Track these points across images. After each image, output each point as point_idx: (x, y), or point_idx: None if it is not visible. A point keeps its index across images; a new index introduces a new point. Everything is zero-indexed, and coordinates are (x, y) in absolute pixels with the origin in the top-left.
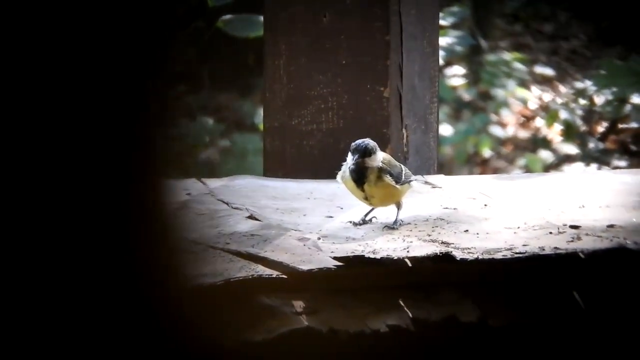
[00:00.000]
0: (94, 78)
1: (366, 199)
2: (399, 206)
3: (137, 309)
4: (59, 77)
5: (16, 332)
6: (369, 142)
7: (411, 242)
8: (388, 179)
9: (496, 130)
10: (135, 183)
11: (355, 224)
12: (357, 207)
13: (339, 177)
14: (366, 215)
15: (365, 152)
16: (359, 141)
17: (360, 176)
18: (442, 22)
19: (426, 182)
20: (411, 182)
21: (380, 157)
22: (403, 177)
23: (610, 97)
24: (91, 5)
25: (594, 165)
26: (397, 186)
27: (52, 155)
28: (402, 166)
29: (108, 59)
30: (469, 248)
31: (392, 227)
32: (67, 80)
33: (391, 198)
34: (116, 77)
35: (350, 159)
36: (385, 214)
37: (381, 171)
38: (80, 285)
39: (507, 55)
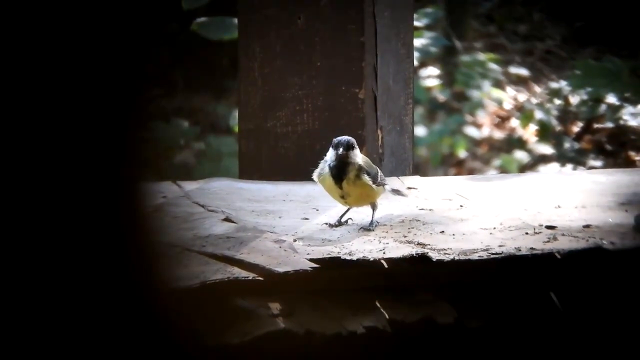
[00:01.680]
0: (68, 83)
1: (342, 197)
2: (374, 207)
3: (114, 310)
4: (30, 82)
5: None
6: (348, 137)
7: (387, 243)
8: (366, 178)
9: (471, 131)
10: (109, 186)
11: (331, 226)
12: (333, 209)
13: (315, 175)
14: (342, 216)
15: (349, 146)
16: (340, 137)
17: (340, 172)
18: (416, 24)
19: (393, 190)
20: (385, 186)
21: (359, 154)
22: (379, 178)
23: (585, 97)
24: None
25: (569, 166)
26: (374, 187)
27: (24, 160)
28: (377, 168)
29: (81, 63)
30: (445, 249)
31: (368, 228)
32: (40, 85)
33: (367, 198)
34: (90, 82)
35: (331, 155)
36: (361, 215)
37: (360, 170)
38: (57, 289)
39: (482, 56)
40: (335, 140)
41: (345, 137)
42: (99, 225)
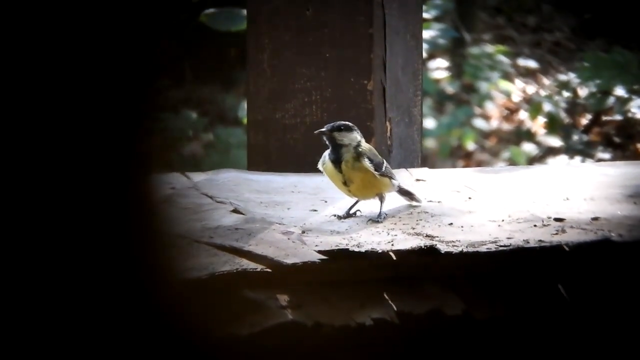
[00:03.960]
0: (75, 76)
1: (345, 184)
2: (382, 199)
3: (122, 302)
4: (38, 74)
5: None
6: (345, 122)
7: (396, 235)
8: (366, 162)
9: (480, 123)
10: (118, 178)
11: (339, 218)
12: (342, 201)
13: (320, 164)
14: (350, 208)
15: (334, 127)
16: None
17: (336, 154)
18: (425, 15)
19: (401, 191)
20: (393, 181)
21: (357, 138)
22: (384, 168)
23: (593, 90)
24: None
25: (578, 158)
26: (376, 174)
27: (32, 153)
28: (384, 160)
29: (89, 55)
30: (453, 241)
31: (376, 220)
32: (46, 77)
33: (371, 187)
34: (98, 74)
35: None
36: (370, 207)
37: (360, 154)
38: (65, 281)
39: (491, 48)
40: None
41: (334, 122)
42: (108, 217)
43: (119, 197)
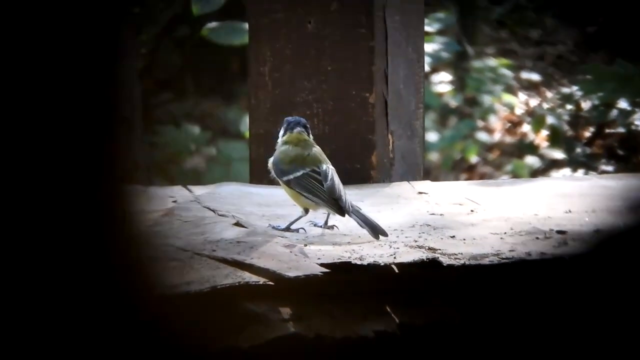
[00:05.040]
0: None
1: None
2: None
3: (125, 315)
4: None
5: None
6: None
7: (398, 248)
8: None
9: (482, 136)
10: (116, 191)
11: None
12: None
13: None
14: (325, 222)
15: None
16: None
17: None
18: (427, 29)
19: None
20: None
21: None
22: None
23: (596, 102)
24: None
25: (580, 171)
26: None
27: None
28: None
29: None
30: (455, 254)
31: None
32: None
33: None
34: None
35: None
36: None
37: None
38: (67, 294)
39: (493, 61)
40: (290, 119)
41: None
42: (106, 231)
43: (116, 210)
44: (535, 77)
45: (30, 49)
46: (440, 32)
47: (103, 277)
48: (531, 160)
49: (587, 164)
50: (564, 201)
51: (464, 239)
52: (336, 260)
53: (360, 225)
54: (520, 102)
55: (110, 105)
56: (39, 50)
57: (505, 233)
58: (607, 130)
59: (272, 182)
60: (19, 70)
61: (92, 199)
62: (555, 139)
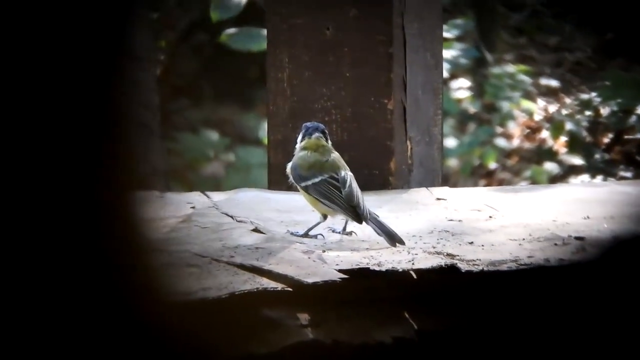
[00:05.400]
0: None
1: None
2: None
3: (143, 321)
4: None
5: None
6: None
7: (416, 254)
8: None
9: (501, 142)
10: (133, 197)
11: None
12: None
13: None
14: (344, 228)
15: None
16: (308, 123)
17: None
18: (446, 35)
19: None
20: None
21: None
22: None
23: (615, 108)
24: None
25: (599, 177)
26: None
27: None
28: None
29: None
30: (474, 260)
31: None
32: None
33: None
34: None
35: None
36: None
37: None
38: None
39: (512, 68)
40: (309, 124)
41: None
42: (124, 237)
43: (133, 216)
44: (553, 83)
45: (45, 55)
46: (458, 39)
47: (115, 283)
48: (550, 167)
49: (606, 170)
50: (582, 207)
51: (482, 245)
52: (354, 266)
53: (378, 233)
54: (539, 108)
55: (125, 111)
56: (52, 56)
57: (523, 239)
58: (626, 137)
59: (290, 188)
60: (32, 76)
61: (103, 205)
62: (574, 145)
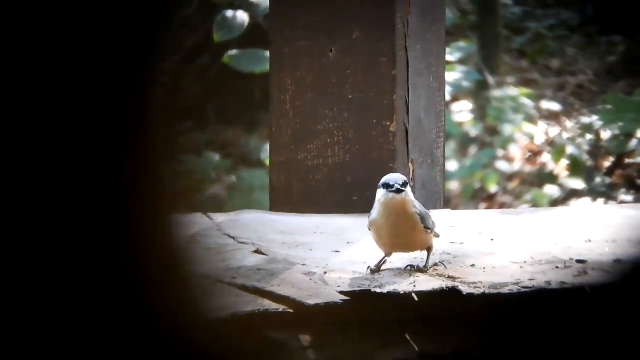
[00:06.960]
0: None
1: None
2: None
3: (146, 341)
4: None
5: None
6: (398, 175)
7: (418, 276)
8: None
9: (503, 166)
10: (142, 218)
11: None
12: (364, 242)
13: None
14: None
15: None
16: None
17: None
18: (448, 58)
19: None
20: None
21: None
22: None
23: (616, 132)
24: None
25: (600, 200)
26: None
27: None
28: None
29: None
30: (475, 283)
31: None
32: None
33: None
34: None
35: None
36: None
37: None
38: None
39: (514, 91)
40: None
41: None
42: (133, 257)
43: (144, 238)
44: (555, 106)
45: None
46: (461, 61)
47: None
48: (551, 190)
49: (607, 193)
50: (584, 230)
51: (484, 268)
52: (356, 289)
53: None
54: (541, 131)
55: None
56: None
57: (525, 262)
58: (627, 161)
59: (293, 210)
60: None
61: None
62: (575, 168)
